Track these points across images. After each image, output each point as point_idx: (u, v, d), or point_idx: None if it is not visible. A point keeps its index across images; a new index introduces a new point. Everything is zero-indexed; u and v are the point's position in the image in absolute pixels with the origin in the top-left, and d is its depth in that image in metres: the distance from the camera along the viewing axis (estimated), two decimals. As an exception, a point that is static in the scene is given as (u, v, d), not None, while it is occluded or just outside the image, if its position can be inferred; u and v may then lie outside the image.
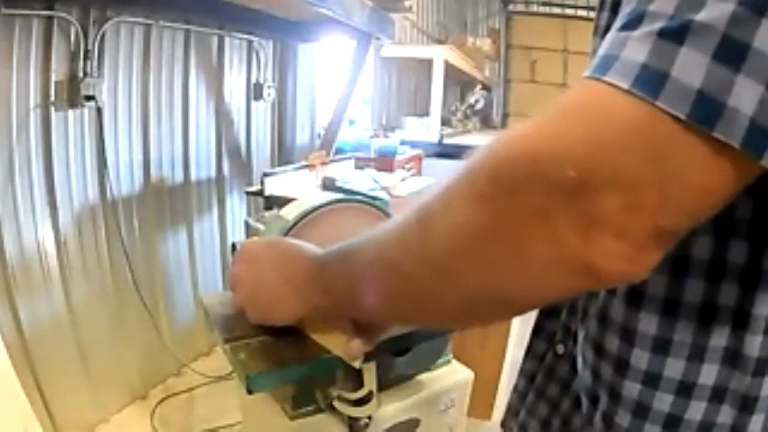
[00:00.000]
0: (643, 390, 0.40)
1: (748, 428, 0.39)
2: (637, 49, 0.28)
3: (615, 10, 0.41)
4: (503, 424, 0.60)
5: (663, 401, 0.40)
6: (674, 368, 0.39)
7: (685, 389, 0.39)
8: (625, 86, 0.27)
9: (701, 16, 0.26)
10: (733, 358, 0.38)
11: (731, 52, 0.26)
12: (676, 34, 0.27)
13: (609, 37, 0.30)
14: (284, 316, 0.54)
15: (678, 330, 0.39)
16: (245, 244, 0.61)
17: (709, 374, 0.39)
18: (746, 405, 0.38)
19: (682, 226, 0.30)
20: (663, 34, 0.27)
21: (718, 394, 0.39)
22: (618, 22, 0.31)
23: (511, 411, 0.58)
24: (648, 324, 0.40)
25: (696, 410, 0.39)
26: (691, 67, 0.26)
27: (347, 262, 0.44)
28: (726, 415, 0.39)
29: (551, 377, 0.53)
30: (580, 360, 0.47)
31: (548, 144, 0.29)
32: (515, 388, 0.58)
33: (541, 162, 0.28)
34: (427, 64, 3.56)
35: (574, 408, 0.50)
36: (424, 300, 0.38)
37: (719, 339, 0.38)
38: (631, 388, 0.41)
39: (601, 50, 0.30)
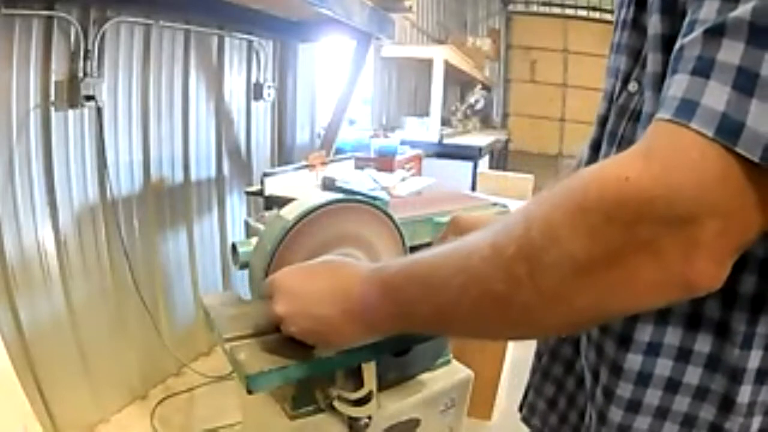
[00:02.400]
0: (646, 360, 0.47)
1: (738, 399, 0.44)
2: (715, 98, 0.33)
3: (634, 25, 0.48)
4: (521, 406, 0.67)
5: (664, 367, 0.46)
6: (673, 337, 0.46)
7: (683, 356, 0.46)
8: (710, 134, 0.33)
9: (765, 71, 0.32)
10: (723, 329, 0.44)
11: None
12: (746, 87, 0.33)
13: (682, 79, 0.35)
14: (345, 343, 0.54)
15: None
16: (280, 276, 0.57)
17: (704, 343, 0.46)
18: (736, 375, 0.44)
19: (751, 242, 0.36)
20: (736, 86, 0.33)
21: (712, 363, 0.45)
22: (686, 62, 0.35)
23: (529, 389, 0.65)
24: None
25: (693, 374, 0.46)
26: (760, 117, 0.32)
27: (426, 290, 0.44)
28: (718, 383, 0.45)
29: (556, 358, 0.59)
30: (584, 338, 0.53)
31: (659, 189, 0.34)
32: (532, 368, 0.65)
33: (654, 204, 0.34)
34: (427, 64, 3.56)
35: (577, 387, 0.55)
36: (528, 323, 0.41)
37: (712, 312, 0.45)
38: (633, 361, 0.47)
39: (678, 92, 0.35)
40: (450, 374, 0.77)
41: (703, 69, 0.34)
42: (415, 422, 0.72)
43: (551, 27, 6.42)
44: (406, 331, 0.51)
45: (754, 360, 0.44)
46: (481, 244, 0.41)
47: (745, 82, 0.33)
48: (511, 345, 1.92)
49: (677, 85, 0.35)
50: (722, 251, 0.35)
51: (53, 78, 1.52)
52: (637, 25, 0.48)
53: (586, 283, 0.36)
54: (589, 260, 0.36)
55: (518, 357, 1.86)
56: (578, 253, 0.36)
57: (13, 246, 1.47)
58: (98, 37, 1.61)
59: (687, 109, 0.34)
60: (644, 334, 0.47)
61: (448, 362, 0.78)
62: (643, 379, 0.47)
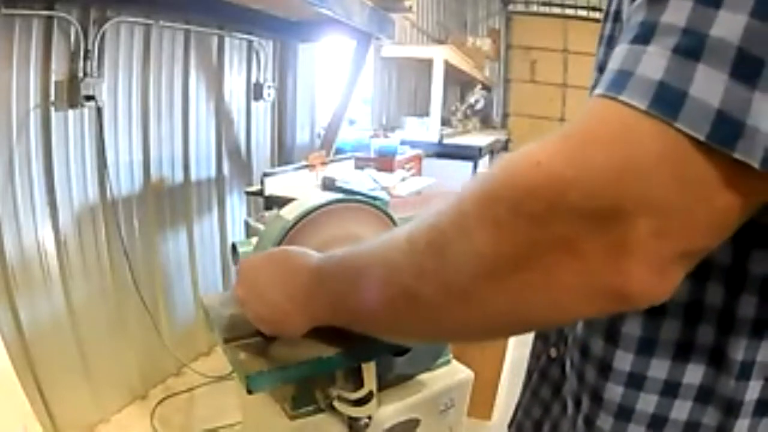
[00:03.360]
0: (627, 392, 0.40)
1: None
2: (652, 65, 0.27)
3: (616, 18, 0.41)
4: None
5: (648, 403, 0.40)
6: (659, 368, 0.39)
7: (670, 389, 0.39)
8: (643, 107, 0.27)
9: (716, 31, 0.26)
10: (718, 359, 0.38)
11: (748, 69, 0.25)
12: (692, 50, 0.26)
13: (620, 49, 0.30)
14: (294, 331, 0.53)
15: (663, 330, 0.39)
16: (243, 262, 0.59)
17: (694, 374, 0.39)
18: (731, 408, 0.38)
19: (706, 247, 0.30)
20: (678, 50, 0.27)
21: (704, 395, 0.39)
22: (628, 33, 0.30)
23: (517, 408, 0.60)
24: (633, 326, 0.40)
25: (682, 410, 0.39)
26: (709, 85, 0.26)
27: (351, 281, 0.43)
28: (711, 416, 0.39)
29: (544, 379, 0.54)
30: (568, 362, 0.47)
31: (573, 173, 0.28)
32: (523, 383, 0.59)
33: (568, 192, 0.28)
34: (427, 64, 3.56)
35: (562, 413, 0.49)
36: (440, 322, 0.37)
37: (705, 338, 0.38)
38: (613, 392, 0.41)
39: (613, 64, 0.30)
40: (450, 374, 0.77)
41: (644, 35, 0.28)
42: (415, 422, 0.72)
43: (551, 27, 6.42)
44: (344, 325, 0.48)
45: (753, 391, 0.37)
46: (403, 234, 0.38)
47: (690, 45, 0.26)
48: (511, 345, 1.92)
49: (615, 57, 0.30)
50: (660, 256, 0.28)
51: (53, 78, 1.52)
52: (619, 17, 0.42)
53: (496, 283, 0.32)
54: (495, 257, 0.31)
55: (518, 357, 1.86)
56: (484, 248, 0.31)
57: (13, 246, 1.47)
58: (98, 37, 1.61)
59: (620, 80, 0.28)
60: (624, 362, 0.40)
61: (448, 362, 0.78)
62: (625, 413, 0.40)
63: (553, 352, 0.52)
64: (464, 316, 0.35)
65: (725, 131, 0.26)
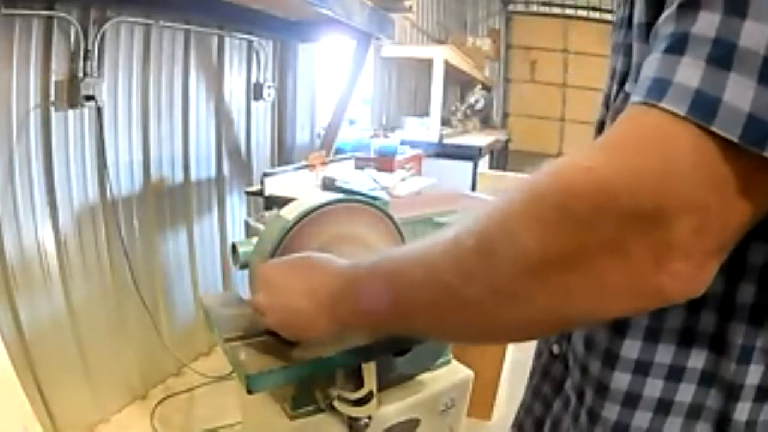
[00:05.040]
0: (634, 379, 0.42)
1: (734, 415, 0.40)
2: (688, 74, 0.30)
3: (629, 24, 0.43)
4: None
5: (654, 388, 0.42)
6: (665, 354, 0.41)
7: (675, 373, 0.41)
8: (682, 113, 0.29)
9: (744, 41, 0.28)
10: (719, 344, 0.40)
11: None
12: (723, 59, 0.29)
13: (654, 59, 0.32)
14: (318, 336, 0.54)
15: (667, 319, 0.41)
16: (263, 268, 0.60)
17: (697, 359, 0.41)
18: (732, 391, 0.40)
19: (736, 240, 0.32)
20: (711, 60, 0.29)
21: (706, 379, 0.41)
22: (660, 43, 0.32)
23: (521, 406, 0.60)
24: (640, 316, 0.41)
25: (686, 393, 0.41)
26: (739, 92, 0.28)
27: (391, 284, 0.43)
28: (714, 399, 0.41)
29: (546, 377, 0.54)
30: (571, 357, 0.49)
31: (621, 178, 0.30)
32: (526, 386, 0.60)
33: (615, 195, 0.30)
34: (427, 64, 3.56)
35: (563, 409, 0.50)
36: (485, 322, 0.38)
37: (707, 324, 0.40)
38: (620, 381, 0.43)
39: (649, 72, 0.32)
40: (450, 374, 0.77)
41: (677, 45, 0.31)
42: (415, 422, 0.72)
43: (551, 27, 6.42)
44: (374, 329, 0.50)
45: (754, 376, 0.40)
46: (447, 237, 0.39)
47: (721, 55, 0.29)
48: (511, 346, 1.92)
49: (649, 65, 0.32)
50: (701, 252, 0.30)
51: (53, 78, 1.52)
52: (631, 24, 0.44)
53: (542, 282, 0.33)
54: (543, 257, 0.32)
55: (518, 358, 1.86)
56: (532, 249, 0.32)
57: (13, 246, 1.47)
58: (98, 37, 1.61)
59: (658, 88, 0.31)
60: (632, 351, 0.42)
61: (448, 362, 0.78)
62: (632, 400, 0.42)
63: (555, 349, 0.53)
64: (510, 316, 0.36)
65: (755, 132, 0.28)
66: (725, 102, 0.28)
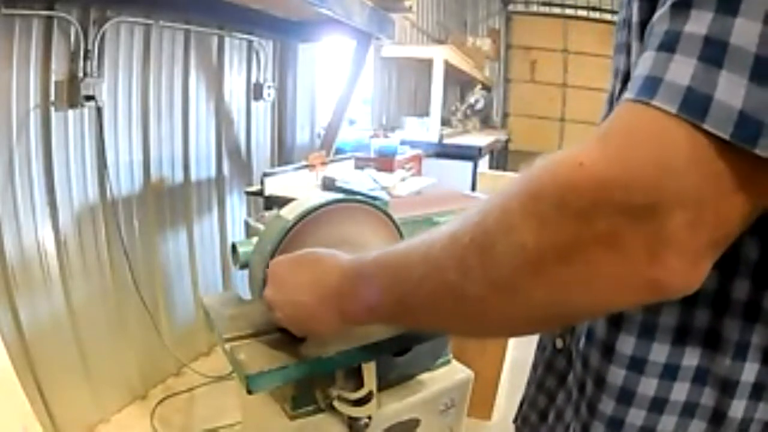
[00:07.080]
0: (628, 375, 0.43)
1: (729, 412, 0.40)
2: (680, 72, 0.30)
3: (629, 25, 0.43)
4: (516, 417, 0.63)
5: (648, 387, 0.42)
6: (659, 353, 0.42)
7: (669, 372, 0.42)
8: (673, 110, 0.30)
9: (735, 39, 0.29)
10: (714, 340, 0.40)
11: (764, 73, 0.28)
12: (715, 57, 0.29)
13: (647, 56, 0.32)
14: (325, 331, 0.55)
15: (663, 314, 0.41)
16: (272, 264, 0.60)
17: (692, 356, 0.41)
18: (727, 388, 0.40)
19: (731, 237, 0.32)
20: (703, 57, 0.29)
21: (701, 376, 0.41)
22: (653, 41, 0.33)
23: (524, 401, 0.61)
24: (634, 310, 0.42)
25: (680, 392, 0.42)
26: (730, 89, 0.28)
27: (395, 279, 0.44)
28: (708, 397, 0.41)
29: (550, 370, 0.55)
30: (574, 349, 0.50)
31: (615, 172, 0.31)
32: (528, 379, 0.61)
33: (609, 189, 0.30)
34: (427, 64, 3.56)
35: (566, 401, 0.51)
36: (484, 316, 0.39)
37: (701, 321, 0.41)
38: (616, 375, 0.43)
39: (642, 70, 0.32)
40: (450, 374, 0.77)
41: (669, 43, 0.31)
42: (415, 422, 0.72)
43: (551, 27, 6.42)
44: (380, 323, 0.51)
45: (749, 373, 0.40)
46: (444, 233, 0.39)
47: (712, 53, 0.29)
48: (511, 345, 1.92)
49: (643, 63, 0.33)
50: (695, 247, 0.31)
51: (53, 78, 1.52)
52: (631, 25, 0.45)
53: (540, 276, 0.34)
54: (539, 251, 0.33)
55: (518, 357, 1.86)
56: (529, 242, 0.33)
57: (13, 246, 1.47)
58: (98, 37, 1.61)
59: (650, 86, 0.31)
60: (627, 346, 0.43)
61: (448, 362, 0.78)
62: (626, 396, 0.43)
63: (558, 343, 0.53)
64: (508, 310, 0.37)
65: (747, 130, 0.28)
66: (717, 99, 0.29)
